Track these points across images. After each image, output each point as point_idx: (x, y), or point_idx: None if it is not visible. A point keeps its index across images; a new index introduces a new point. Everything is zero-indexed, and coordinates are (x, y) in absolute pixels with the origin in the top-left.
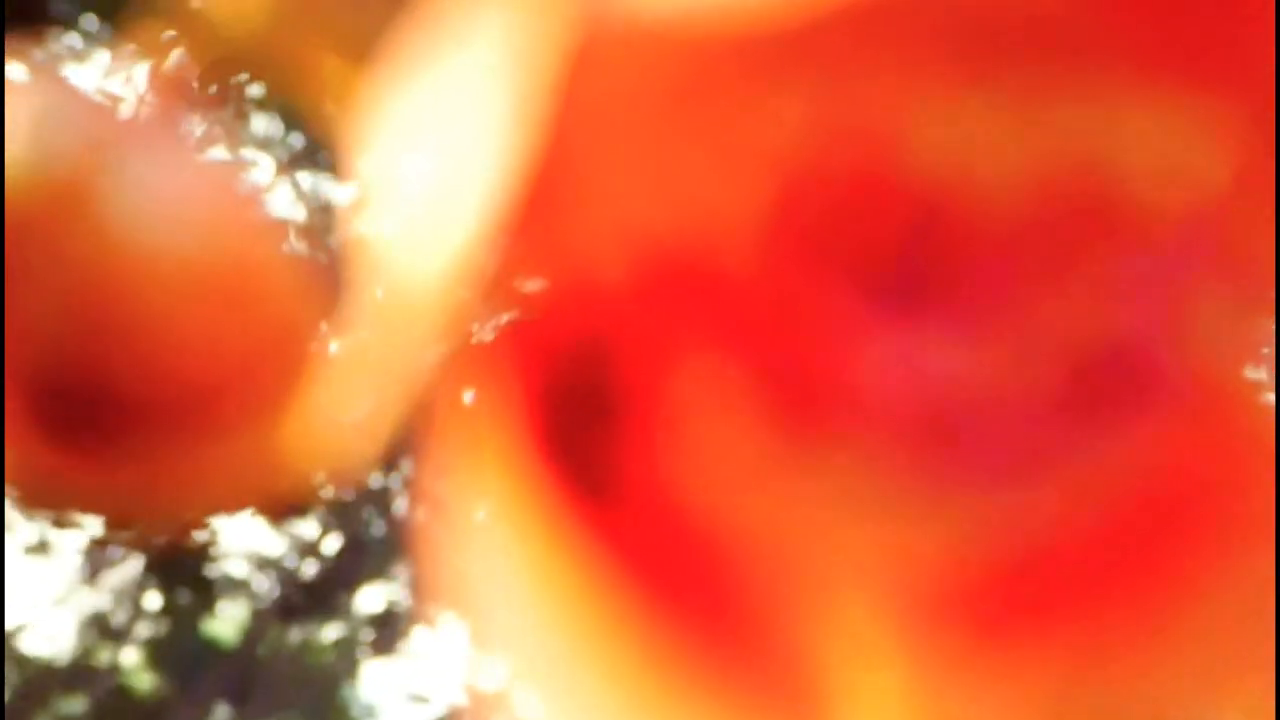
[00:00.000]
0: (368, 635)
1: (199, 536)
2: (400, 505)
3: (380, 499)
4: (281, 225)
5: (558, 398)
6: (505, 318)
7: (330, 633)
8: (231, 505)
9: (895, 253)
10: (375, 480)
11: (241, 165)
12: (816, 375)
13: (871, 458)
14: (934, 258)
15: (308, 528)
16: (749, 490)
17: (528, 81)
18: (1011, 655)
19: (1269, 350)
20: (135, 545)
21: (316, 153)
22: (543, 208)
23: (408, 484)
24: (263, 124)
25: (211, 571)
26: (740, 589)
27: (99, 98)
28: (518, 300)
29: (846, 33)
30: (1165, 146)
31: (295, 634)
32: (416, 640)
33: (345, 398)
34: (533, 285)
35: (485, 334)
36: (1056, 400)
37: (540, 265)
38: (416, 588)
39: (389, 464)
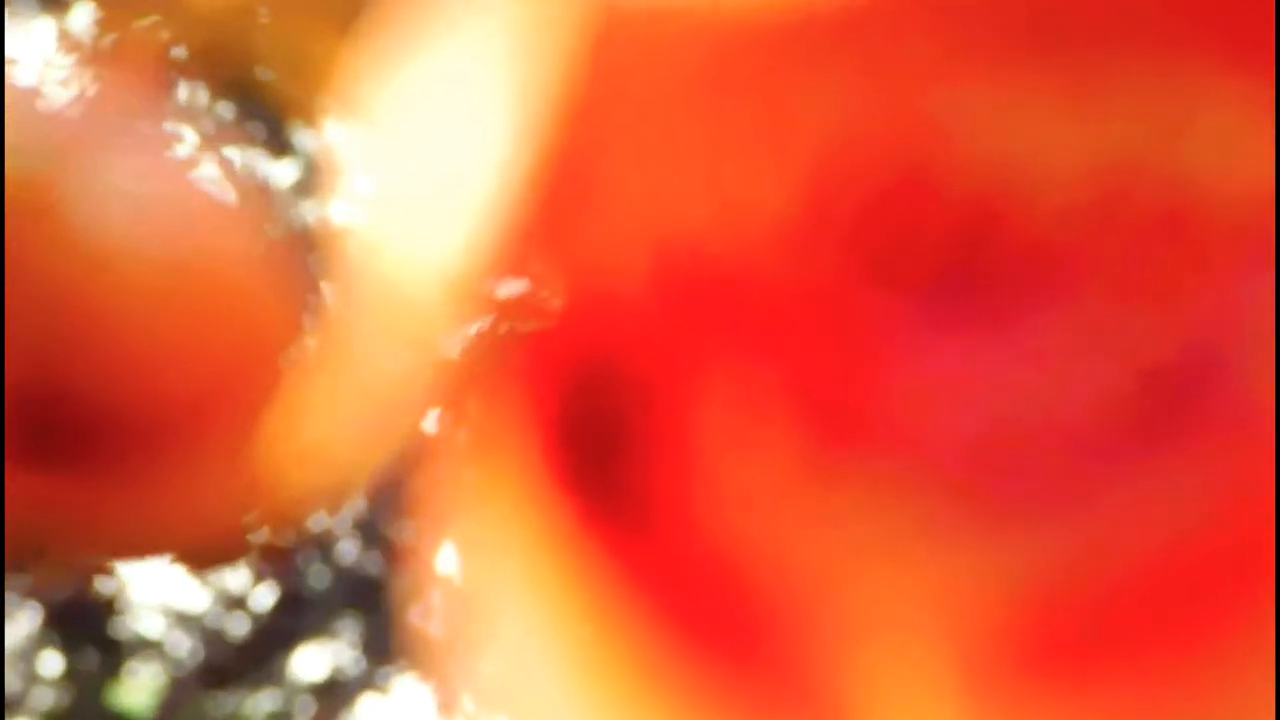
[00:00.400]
0: (307, 706)
1: (106, 587)
2: (346, 550)
3: (323, 543)
4: (254, 223)
5: (573, 420)
6: (511, 331)
7: (263, 702)
8: (182, 539)
9: (944, 256)
10: (316, 520)
11: (209, 159)
12: (858, 393)
13: (918, 486)
14: (986, 262)
15: (236, 577)
16: (784, 521)
17: (538, 63)
18: (1075, 706)
19: None
20: (37, 590)
21: (294, 144)
22: (555, 206)
23: (358, 525)
24: (234, 112)
25: (121, 629)
26: (774, 628)
27: (55, 94)
28: (525, 312)
29: (889, 14)
30: (1242, 142)
31: (221, 704)
32: (366, 712)
33: (324, 421)
34: (543, 294)
35: (488, 350)
36: (1122, 421)
37: (551, 271)
38: (368, 648)
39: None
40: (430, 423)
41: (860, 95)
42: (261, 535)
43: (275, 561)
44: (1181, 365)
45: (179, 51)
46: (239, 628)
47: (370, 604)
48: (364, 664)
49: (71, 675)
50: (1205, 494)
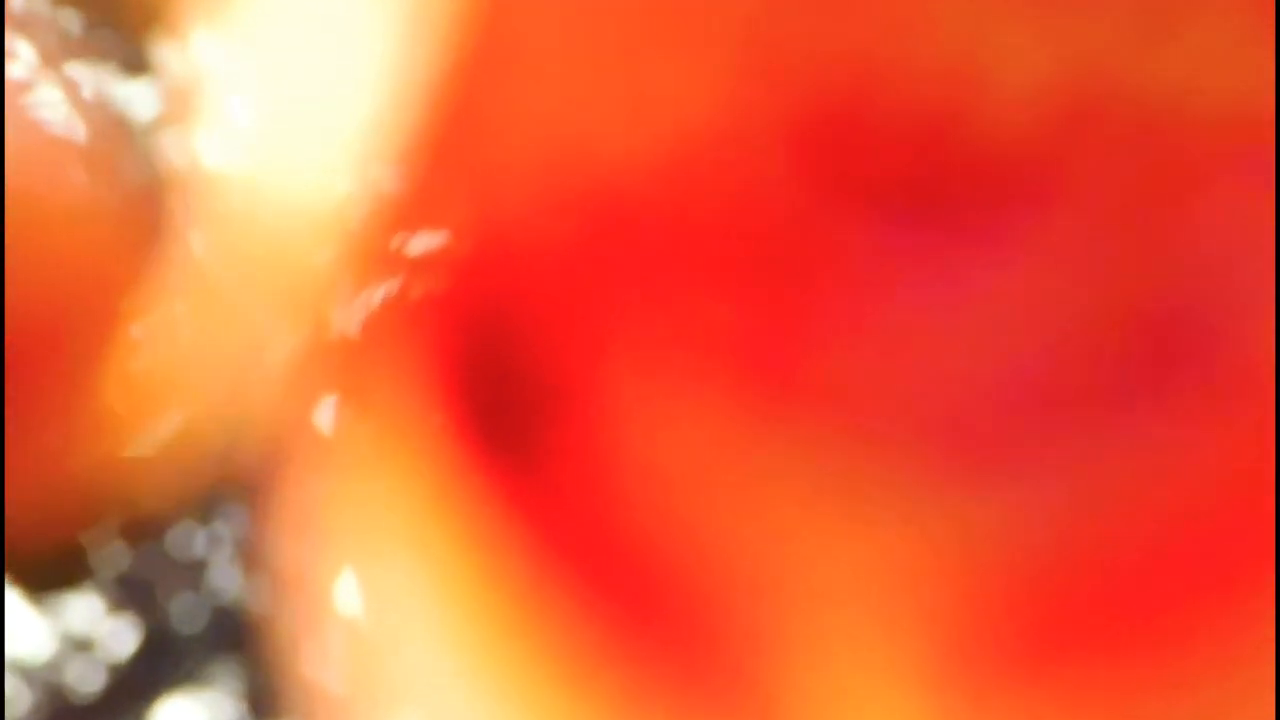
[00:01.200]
0: None
1: None
2: (222, 578)
3: (195, 564)
4: (103, 158)
5: (473, 386)
6: (397, 286)
7: None
8: (21, 501)
9: (897, 177)
10: (185, 537)
11: (50, 79)
12: (801, 339)
13: (871, 443)
14: (945, 185)
15: (85, 608)
16: (718, 488)
17: None
18: (1047, 689)
19: None
20: None
21: (153, 61)
22: (452, 133)
23: (237, 543)
24: (80, 22)
25: None
26: (709, 608)
27: None
28: (414, 262)
29: None
30: (1232, 52)
31: None
32: None
33: (163, 388)
34: (435, 241)
35: (365, 310)
36: (1100, 370)
37: (447, 214)
38: (249, 700)
39: (206, 512)
40: (318, 411)
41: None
42: (109, 507)
43: (132, 534)
44: (1168, 305)
45: None
46: (90, 672)
47: (251, 646)
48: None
49: None
50: (1197, 455)
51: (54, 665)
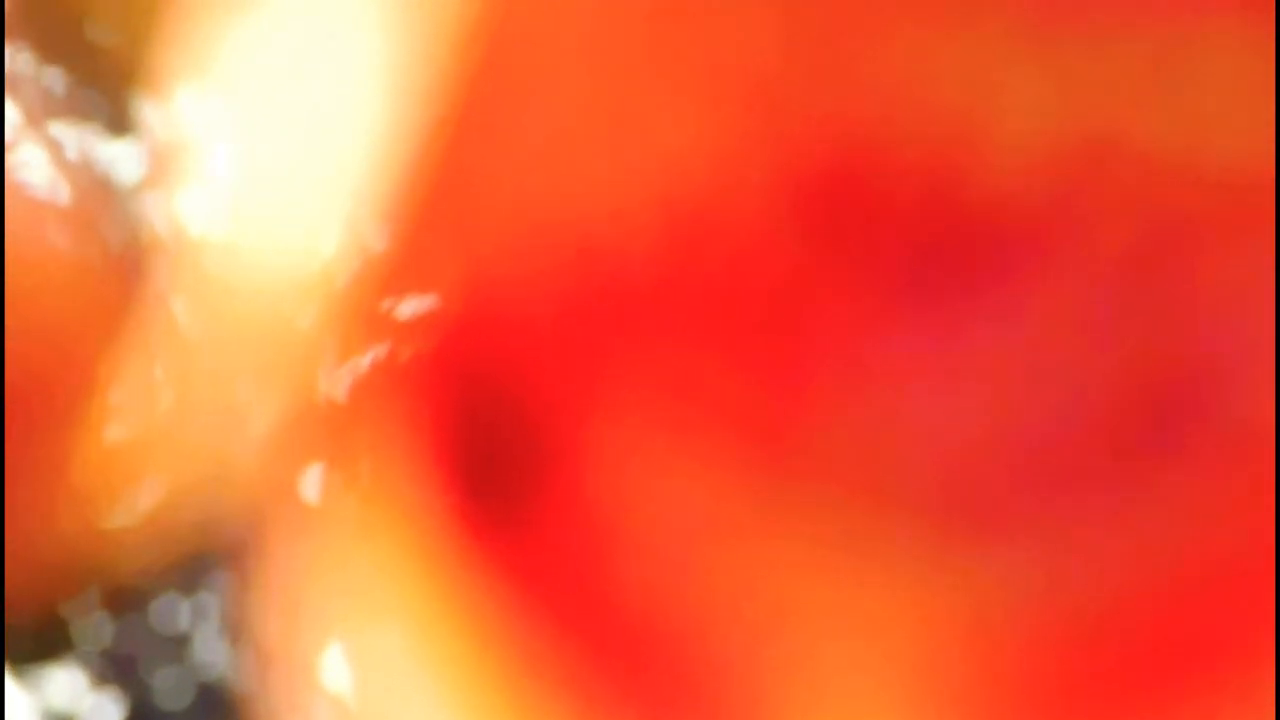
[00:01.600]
0: None
1: None
2: (209, 648)
3: (179, 638)
4: (86, 220)
5: (462, 448)
6: (384, 348)
7: None
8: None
9: (901, 236)
10: (169, 610)
11: (33, 138)
12: (801, 402)
13: (872, 505)
14: (950, 245)
15: (68, 683)
16: (710, 548)
17: (419, 25)
18: None
19: None
20: None
21: (136, 120)
22: (437, 195)
23: (222, 615)
24: (64, 81)
25: None
26: (700, 663)
27: None
28: (401, 324)
29: None
30: (1240, 112)
31: None
32: None
33: (142, 455)
34: (423, 302)
35: (351, 374)
36: (1105, 430)
37: (435, 274)
38: None
39: (190, 583)
40: (303, 477)
41: (804, 49)
42: (89, 577)
43: (114, 606)
44: (1170, 363)
45: None
46: None
47: None
48: None
49: None
50: (1200, 516)
51: None
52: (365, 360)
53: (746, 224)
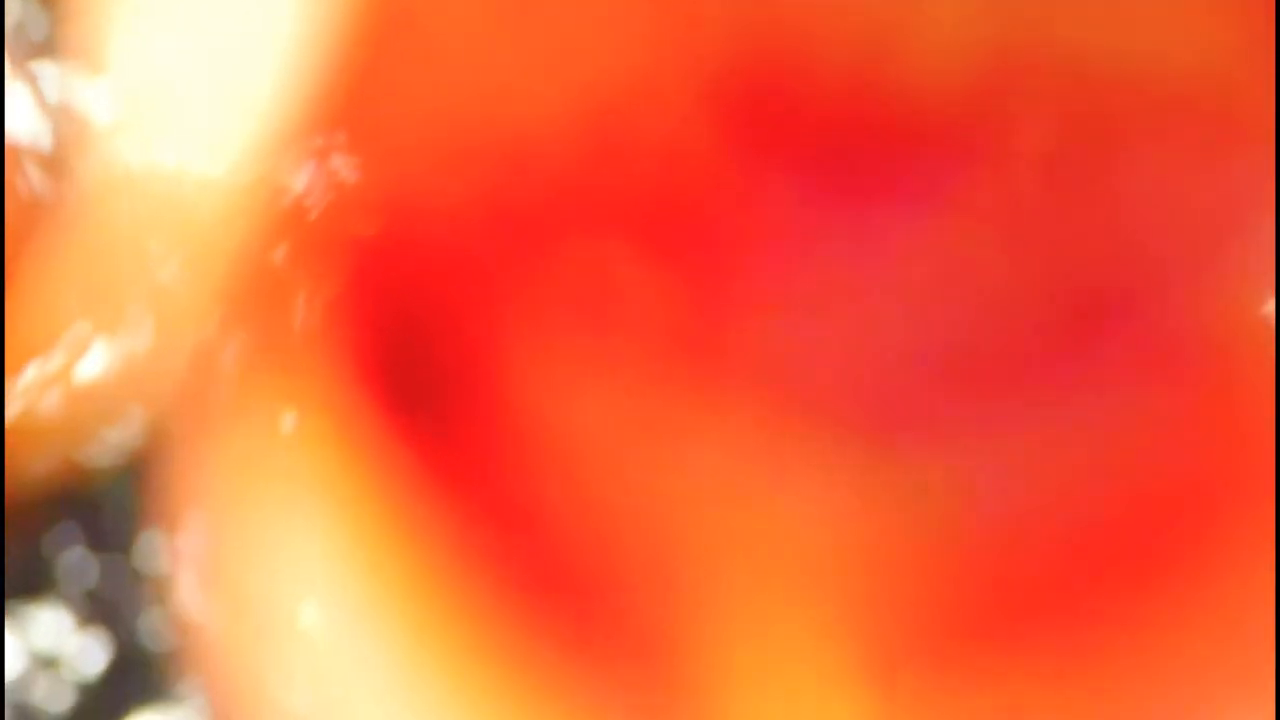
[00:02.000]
0: None
1: None
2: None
3: (156, 584)
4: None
5: (382, 356)
6: (302, 254)
7: None
8: None
9: (820, 143)
10: (149, 552)
11: None
12: (719, 308)
13: (791, 413)
14: (870, 148)
15: (50, 623)
16: (629, 454)
17: None
18: (980, 672)
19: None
20: None
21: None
22: (351, 98)
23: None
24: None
25: None
26: (620, 585)
27: None
28: (318, 230)
29: None
30: (1166, 7)
31: None
32: None
33: (60, 347)
34: (340, 209)
35: (271, 281)
36: (1030, 336)
37: (351, 180)
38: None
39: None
40: (222, 381)
41: None
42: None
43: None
44: (1097, 269)
45: None
46: (55, 693)
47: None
48: None
49: None
50: (1128, 418)
51: (22, 687)
52: (284, 266)
53: (665, 129)
